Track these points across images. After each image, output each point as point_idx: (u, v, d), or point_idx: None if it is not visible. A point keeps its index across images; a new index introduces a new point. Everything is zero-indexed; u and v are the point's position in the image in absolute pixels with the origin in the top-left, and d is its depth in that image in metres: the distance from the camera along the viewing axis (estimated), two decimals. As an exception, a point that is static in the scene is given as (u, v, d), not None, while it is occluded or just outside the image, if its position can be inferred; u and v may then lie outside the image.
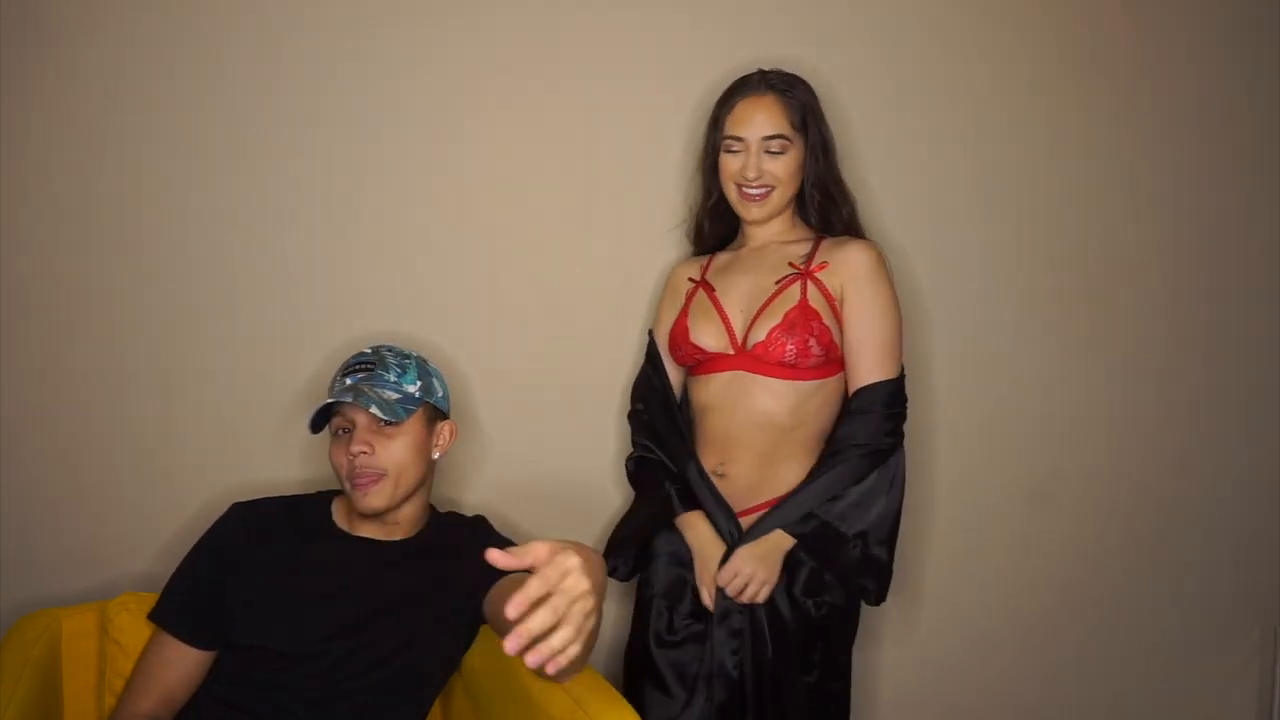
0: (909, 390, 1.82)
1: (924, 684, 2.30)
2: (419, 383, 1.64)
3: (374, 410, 1.56)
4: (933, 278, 2.19)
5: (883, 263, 1.80)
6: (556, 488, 2.02)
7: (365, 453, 1.57)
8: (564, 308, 2.00)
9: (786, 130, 1.78)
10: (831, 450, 1.76)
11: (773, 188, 1.79)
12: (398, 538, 1.65)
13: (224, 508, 1.65)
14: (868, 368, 1.77)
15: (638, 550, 1.84)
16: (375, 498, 1.58)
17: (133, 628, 1.64)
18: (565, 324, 2.00)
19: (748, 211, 1.83)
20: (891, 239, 2.10)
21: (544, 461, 2.01)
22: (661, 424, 1.87)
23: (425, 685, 1.63)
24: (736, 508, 1.79)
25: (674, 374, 1.91)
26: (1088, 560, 2.38)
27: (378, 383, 1.60)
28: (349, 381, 1.61)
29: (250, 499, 1.67)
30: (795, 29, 2.06)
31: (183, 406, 1.82)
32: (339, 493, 1.68)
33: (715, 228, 1.93)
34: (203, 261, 1.82)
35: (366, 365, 1.62)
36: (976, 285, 2.24)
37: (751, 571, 1.71)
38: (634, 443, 1.93)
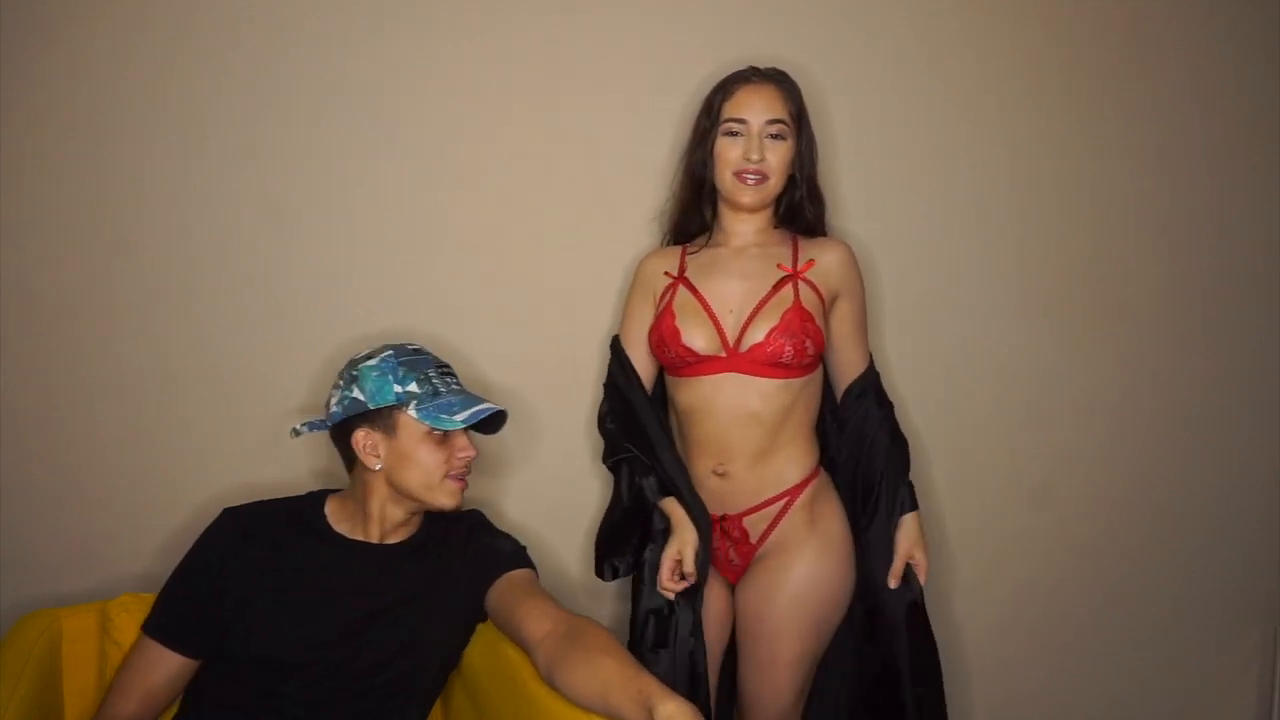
0: (901, 389, 2.02)
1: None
2: None
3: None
4: (930, 279, 2.19)
5: (856, 257, 1.88)
6: (556, 487, 2.02)
7: (475, 456, 1.63)
8: (564, 308, 2.00)
9: (786, 118, 1.80)
10: (884, 435, 1.88)
11: (768, 176, 1.80)
12: (394, 540, 1.65)
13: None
14: (859, 357, 1.89)
15: (634, 550, 1.82)
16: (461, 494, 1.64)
17: (133, 628, 1.63)
18: (565, 324, 2.00)
19: (741, 195, 1.81)
20: (887, 241, 2.10)
21: (544, 462, 2.01)
22: (635, 425, 1.85)
23: (425, 686, 1.63)
24: (741, 507, 1.80)
25: (643, 373, 1.90)
26: (1087, 560, 2.38)
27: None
28: (455, 385, 1.63)
29: (240, 504, 1.65)
30: (784, 30, 2.07)
31: (183, 407, 1.82)
32: (332, 493, 1.68)
33: (691, 219, 1.91)
34: (204, 261, 1.82)
35: (450, 370, 1.66)
36: (974, 286, 2.24)
37: (920, 557, 1.85)
38: (609, 448, 1.89)
